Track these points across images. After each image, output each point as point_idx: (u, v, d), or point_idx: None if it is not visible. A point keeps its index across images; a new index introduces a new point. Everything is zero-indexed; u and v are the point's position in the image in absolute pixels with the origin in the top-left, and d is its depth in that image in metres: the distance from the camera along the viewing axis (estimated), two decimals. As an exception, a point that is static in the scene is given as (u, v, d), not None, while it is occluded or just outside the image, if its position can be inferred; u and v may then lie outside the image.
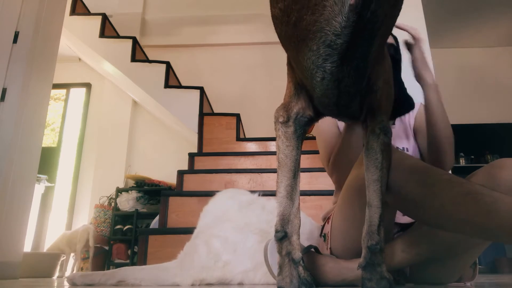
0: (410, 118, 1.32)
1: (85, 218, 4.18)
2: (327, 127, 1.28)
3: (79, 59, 4.65)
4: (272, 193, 2.14)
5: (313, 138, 2.78)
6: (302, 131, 0.81)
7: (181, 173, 2.58)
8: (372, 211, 0.78)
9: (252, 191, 1.45)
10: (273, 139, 3.27)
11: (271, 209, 1.31)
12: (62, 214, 4.35)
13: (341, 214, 1.07)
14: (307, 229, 1.30)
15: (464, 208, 0.69)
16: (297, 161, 0.81)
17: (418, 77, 1.16)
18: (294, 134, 0.80)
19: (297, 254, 0.77)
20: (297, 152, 0.81)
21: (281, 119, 0.81)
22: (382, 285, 0.75)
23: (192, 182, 2.55)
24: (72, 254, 3.58)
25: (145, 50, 4.38)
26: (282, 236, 0.76)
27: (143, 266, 1.27)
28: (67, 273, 3.39)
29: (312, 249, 1.07)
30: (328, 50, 0.62)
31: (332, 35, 0.60)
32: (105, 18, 4.06)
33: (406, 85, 1.20)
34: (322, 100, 0.74)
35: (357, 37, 0.60)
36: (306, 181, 2.45)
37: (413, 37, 1.16)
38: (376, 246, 0.76)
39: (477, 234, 0.73)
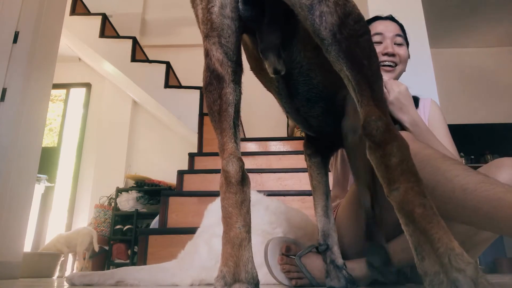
0: (424, 116, 1.32)
1: (85, 218, 4.18)
2: None
3: (79, 59, 4.65)
4: (272, 193, 2.14)
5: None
6: (327, 159, 0.96)
7: (181, 173, 2.58)
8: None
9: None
10: (273, 139, 3.26)
11: (274, 210, 1.31)
12: (62, 214, 4.34)
13: (345, 210, 1.11)
14: (310, 231, 1.30)
15: (474, 196, 0.68)
16: (327, 185, 0.95)
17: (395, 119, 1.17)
18: (321, 162, 0.95)
19: (340, 261, 0.91)
20: (326, 177, 0.95)
21: (308, 152, 0.96)
22: (389, 278, 0.86)
23: (192, 182, 2.55)
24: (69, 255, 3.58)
25: (145, 50, 4.38)
26: (325, 248, 0.91)
27: (142, 266, 1.27)
28: (67, 273, 3.39)
29: (314, 249, 1.08)
30: (279, 96, 0.83)
31: (276, 87, 0.81)
32: (105, 18, 4.06)
33: (407, 83, 1.20)
34: (301, 126, 0.90)
35: (291, 82, 0.77)
36: (306, 181, 2.45)
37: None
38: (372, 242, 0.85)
39: (483, 224, 0.71)
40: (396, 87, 1.13)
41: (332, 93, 0.82)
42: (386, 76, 1.25)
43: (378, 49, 1.28)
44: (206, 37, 0.63)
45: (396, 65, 1.29)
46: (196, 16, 0.68)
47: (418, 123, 1.12)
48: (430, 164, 0.76)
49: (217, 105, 0.60)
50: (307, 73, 0.75)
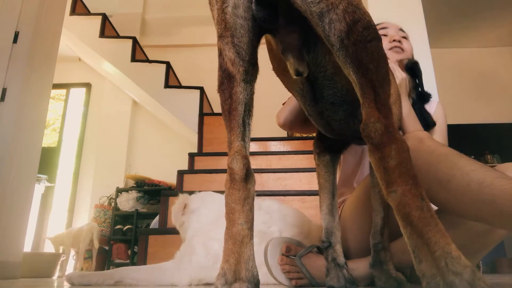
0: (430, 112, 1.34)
1: (85, 218, 4.18)
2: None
3: (79, 59, 4.65)
4: (272, 193, 2.14)
5: (312, 138, 2.78)
6: (336, 158, 0.97)
7: (181, 173, 2.58)
8: (375, 214, 0.89)
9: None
10: (273, 139, 3.26)
11: (266, 209, 1.32)
12: (62, 214, 4.34)
13: (351, 208, 1.13)
14: (306, 228, 1.30)
15: (490, 189, 0.67)
16: (334, 184, 0.95)
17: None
18: (330, 161, 0.96)
19: (341, 259, 0.91)
20: (334, 176, 0.95)
21: (317, 150, 0.97)
22: (389, 283, 0.85)
23: (192, 182, 2.55)
24: (72, 254, 3.58)
25: (145, 50, 4.38)
26: (328, 245, 0.91)
27: (140, 266, 1.27)
28: (68, 272, 3.39)
29: (315, 249, 1.08)
30: (303, 98, 0.82)
31: (300, 89, 0.80)
32: (105, 18, 4.06)
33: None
34: (322, 129, 0.89)
35: (316, 85, 0.77)
36: (306, 181, 2.45)
37: None
38: (378, 245, 0.87)
39: (496, 219, 0.69)
40: (399, 74, 1.16)
41: (356, 97, 0.82)
42: (396, 56, 1.29)
43: (385, 40, 1.30)
44: (220, 37, 0.63)
45: (403, 51, 1.31)
46: (213, 17, 0.69)
47: (411, 113, 1.15)
48: (447, 159, 0.76)
49: (228, 104, 0.61)
50: (331, 77, 0.75)
